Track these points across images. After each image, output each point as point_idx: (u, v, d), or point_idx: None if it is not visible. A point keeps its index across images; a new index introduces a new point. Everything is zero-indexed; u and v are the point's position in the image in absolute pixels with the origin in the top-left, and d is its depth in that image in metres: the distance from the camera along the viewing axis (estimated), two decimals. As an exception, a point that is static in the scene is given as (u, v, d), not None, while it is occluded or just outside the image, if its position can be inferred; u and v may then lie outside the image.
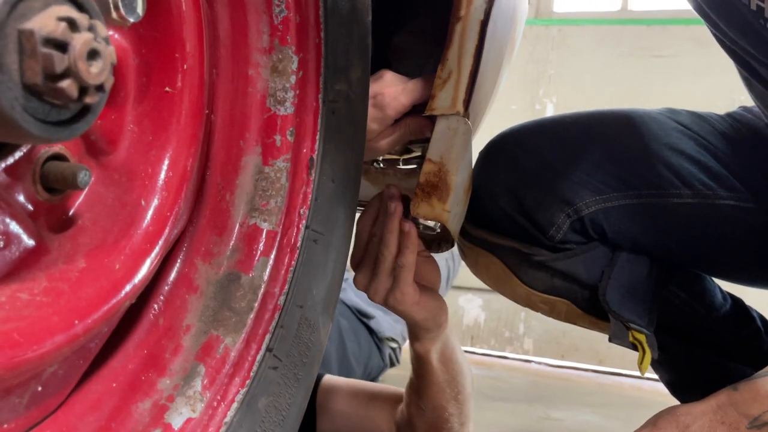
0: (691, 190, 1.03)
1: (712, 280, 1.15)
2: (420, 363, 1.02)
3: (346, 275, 0.96)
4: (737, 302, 1.17)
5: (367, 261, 0.93)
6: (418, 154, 1.16)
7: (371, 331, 2.41)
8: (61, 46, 0.41)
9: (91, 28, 0.42)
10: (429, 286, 0.98)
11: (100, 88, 0.43)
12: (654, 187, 1.03)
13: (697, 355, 1.14)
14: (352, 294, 2.38)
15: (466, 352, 3.55)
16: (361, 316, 2.40)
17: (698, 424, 0.78)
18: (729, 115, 1.13)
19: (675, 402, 1.19)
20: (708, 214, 1.03)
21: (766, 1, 0.79)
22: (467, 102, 0.91)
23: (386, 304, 0.93)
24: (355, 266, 0.95)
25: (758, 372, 0.81)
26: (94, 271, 0.53)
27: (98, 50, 0.42)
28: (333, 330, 2.21)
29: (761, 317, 1.17)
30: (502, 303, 3.51)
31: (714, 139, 1.07)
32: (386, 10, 1.06)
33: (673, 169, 1.03)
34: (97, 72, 0.42)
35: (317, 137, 0.75)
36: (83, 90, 0.42)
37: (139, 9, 0.52)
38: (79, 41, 0.41)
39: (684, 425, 0.79)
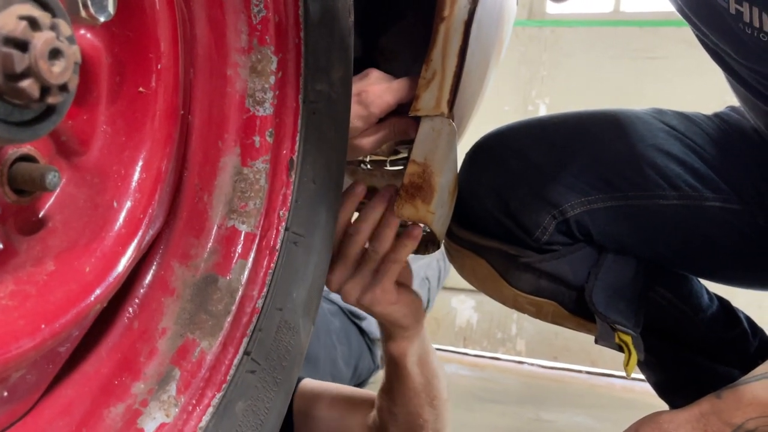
0: (677, 192, 1.02)
1: (699, 282, 1.15)
2: (395, 366, 0.98)
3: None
4: (724, 304, 1.17)
5: (343, 258, 0.90)
6: (405, 155, 1.16)
7: (362, 332, 2.40)
8: (22, 45, 0.40)
9: (53, 27, 0.42)
10: (403, 282, 0.96)
11: (63, 87, 0.42)
12: (640, 188, 1.03)
13: (683, 357, 1.14)
14: (344, 294, 2.36)
15: (458, 353, 3.56)
16: (353, 317, 2.39)
17: None
18: (716, 115, 1.13)
19: (665, 404, 1.19)
20: (694, 216, 1.03)
21: (744, 5, 0.78)
22: (452, 103, 0.90)
23: (360, 303, 0.90)
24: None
25: (741, 378, 0.80)
26: (63, 274, 0.52)
27: (60, 49, 0.41)
28: (323, 331, 2.19)
29: (748, 319, 1.17)
30: (494, 304, 3.47)
31: (701, 140, 1.06)
32: (373, 10, 1.06)
33: (659, 170, 1.03)
34: (59, 71, 0.41)
35: (297, 138, 0.74)
36: (45, 90, 0.41)
37: (110, 7, 0.51)
38: (40, 40, 0.40)
39: None
